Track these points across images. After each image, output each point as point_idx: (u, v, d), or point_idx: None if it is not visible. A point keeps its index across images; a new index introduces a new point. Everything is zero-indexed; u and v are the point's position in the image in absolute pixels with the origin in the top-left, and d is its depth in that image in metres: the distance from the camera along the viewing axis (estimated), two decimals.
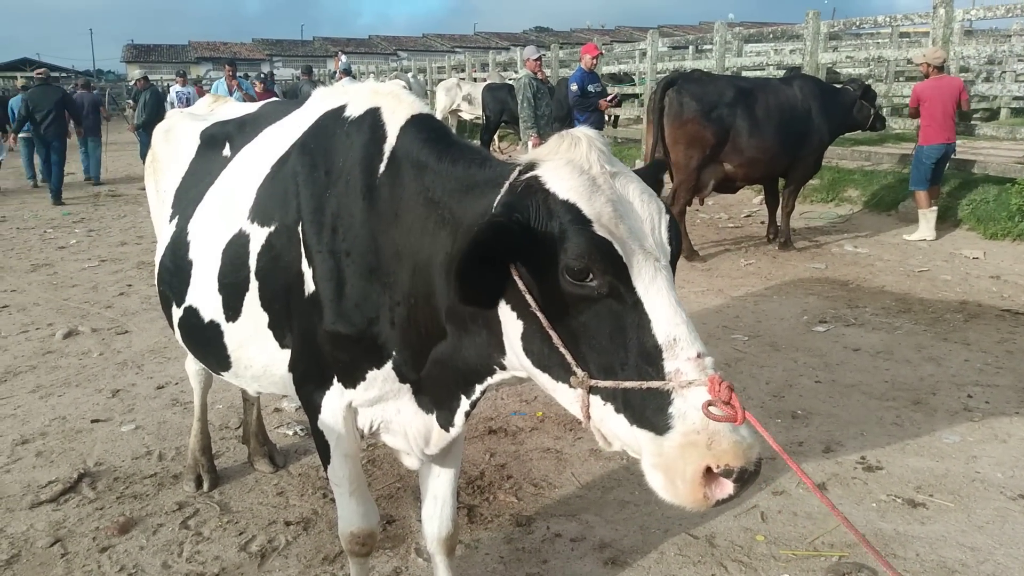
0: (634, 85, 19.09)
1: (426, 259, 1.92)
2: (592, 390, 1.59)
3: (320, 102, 2.42)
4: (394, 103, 2.15)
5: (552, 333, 1.59)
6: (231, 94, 12.73)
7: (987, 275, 7.22)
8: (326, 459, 2.35)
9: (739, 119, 7.34)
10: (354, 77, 15.85)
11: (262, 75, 14.90)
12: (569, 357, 1.59)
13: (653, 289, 1.56)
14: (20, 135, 14.30)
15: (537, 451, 4.08)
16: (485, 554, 3.19)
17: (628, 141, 15.91)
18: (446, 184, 1.92)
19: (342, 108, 2.26)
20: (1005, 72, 16.36)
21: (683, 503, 1.49)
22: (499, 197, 1.70)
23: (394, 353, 2.07)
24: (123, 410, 4.72)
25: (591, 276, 1.55)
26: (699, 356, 1.50)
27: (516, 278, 1.61)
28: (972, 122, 10.52)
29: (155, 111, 14.52)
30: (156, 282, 2.97)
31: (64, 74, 51.35)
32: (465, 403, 2.06)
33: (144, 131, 14.31)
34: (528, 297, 1.60)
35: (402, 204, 2.00)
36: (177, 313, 2.75)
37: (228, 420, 4.54)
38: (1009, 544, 3.16)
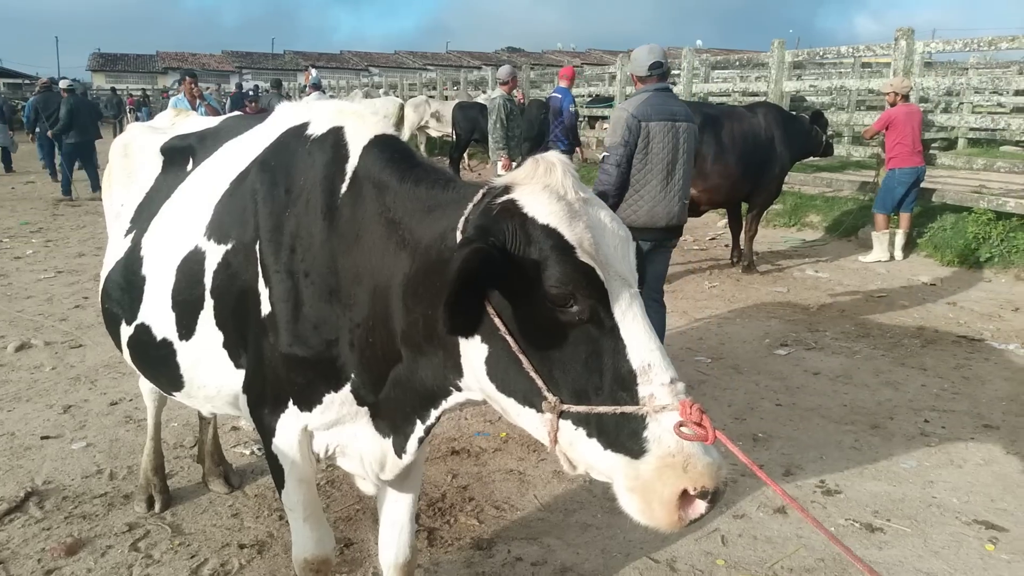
0: (611, 105, 19.30)
1: (385, 281, 1.89)
2: (563, 415, 1.57)
3: (282, 118, 2.39)
4: (358, 122, 2.13)
5: (522, 357, 1.58)
6: (194, 108, 11.95)
7: (944, 301, 7.38)
8: (280, 483, 2.29)
9: (704, 145, 7.43)
10: (324, 92, 15.79)
11: (249, 91, 13.53)
12: (540, 382, 1.57)
13: (629, 315, 1.56)
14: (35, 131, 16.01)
15: (500, 472, 4.05)
16: None
17: (597, 164, 16.00)
18: (407, 205, 1.90)
19: (304, 126, 2.23)
20: (962, 104, 16.83)
21: (658, 525, 1.51)
22: (466, 217, 1.68)
23: (352, 376, 2.03)
24: (74, 427, 4.58)
25: (573, 302, 1.54)
26: (672, 382, 1.52)
27: (484, 302, 1.59)
28: (931, 151, 10.80)
29: (70, 121, 14.25)
30: (101, 299, 2.89)
31: (28, 81, 50.41)
32: (420, 428, 2.03)
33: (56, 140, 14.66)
34: (497, 321, 1.59)
35: (363, 225, 1.97)
36: (127, 331, 2.67)
37: (183, 439, 4.43)
38: (964, 570, 3.19)
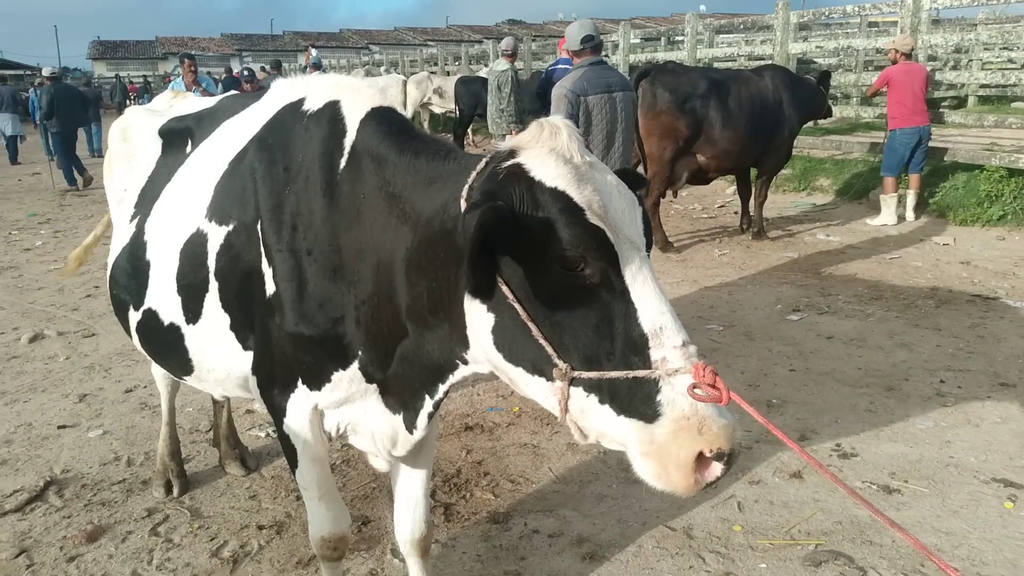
0: None
1: (388, 256, 1.87)
2: (573, 382, 1.55)
3: (278, 95, 2.36)
4: (353, 95, 2.09)
5: (531, 325, 1.55)
6: (190, 91, 11.79)
7: (957, 261, 7.30)
8: (293, 463, 2.30)
9: (712, 110, 7.35)
10: (325, 71, 15.69)
11: (244, 71, 12.98)
12: (550, 348, 1.55)
13: (640, 278, 1.54)
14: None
15: (514, 447, 4.05)
16: (462, 553, 3.15)
17: None
18: (407, 177, 1.87)
19: (301, 102, 2.20)
20: (972, 60, 16.55)
21: (674, 489, 1.49)
22: (470, 185, 1.64)
23: (360, 353, 2.02)
24: (90, 415, 4.61)
25: (583, 265, 1.51)
26: (684, 344, 1.50)
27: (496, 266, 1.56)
28: (940, 110, 10.64)
29: (51, 110, 14.31)
30: (109, 285, 2.88)
31: (29, 72, 50.38)
32: (429, 403, 2.02)
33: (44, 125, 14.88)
34: (505, 288, 1.56)
35: (364, 200, 1.94)
36: (135, 317, 2.67)
37: (198, 423, 4.45)
38: (983, 528, 3.18)
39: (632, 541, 3.21)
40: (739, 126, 7.49)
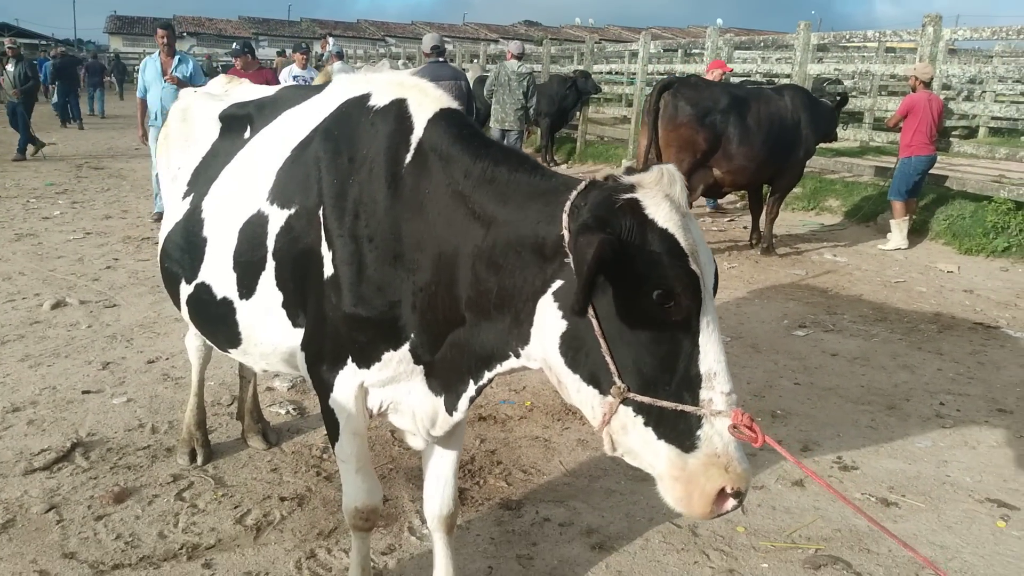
0: (622, 84, 19.28)
1: (451, 250, 2.01)
2: (625, 401, 1.71)
3: (341, 89, 2.49)
4: (420, 96, 2.22)
5: (602, 341, 1.69)
6: (165, 73, 9.10)
7: (961, 288, 7.44)
8: (334, 436, 2.42)
9: (731, 126, 7.48)
10: (345, 60, 15.78)
11: (235, 46, 10.54)
12: (613, 366, 1.70)
13: (711, 326, 1.71)
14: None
15: (526, 439, 4.18)
16: (476, 535, 3.28)
17: (616, 141, 16.03)
18: (483, 181, 1.99)
19: (366, 96, 2.33)
20: (985, 92, 16.71)
21: (692, 513, 1.69)
22: (573, 203, 1.77)
23: (412, 336, 2.15)
24: (114, 382, 4.74)
25: (673, 303, 1.66)
26: (729, 392, 1.68)
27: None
28: (950, 139, 10.77)
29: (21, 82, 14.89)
30: (160, 258, 3.01)
31: (44, 42, 50.48)
32: (472, 388, 2.15)
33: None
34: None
35: (428, 195, 2.07)
36: (187, 290, 2.80)
37: (220, 397, 4.58)
38: (976, 544, 3.32)
39: (639, 535, 3.34)
40: (756, 143, 7.63)
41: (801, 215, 10.89)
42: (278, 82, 9.45)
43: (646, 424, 1.71)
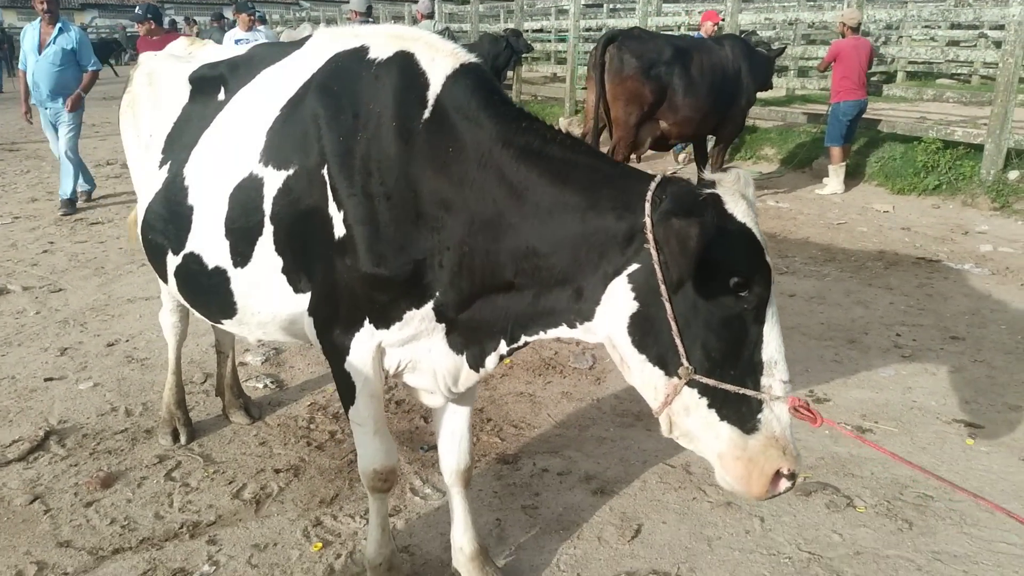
0: (550, 42, 19.19)
1: (489, 217, 2.00)
2: (690, 383, 1.79)
3: (325, 44, 2.42)
4: (429, 50, 2.17)
5: (674, 324, 1.76)
6: (41, 45, 8.10)
7: (898, 227, 7.77)
8: (350, 400, 2.38)
9: (676, 78, 7.55)
10: (269, 25, 15.21)
11: (138, 8, 9.04)
12: (682, 348, 1.77)
13: (775, 318, 1.81)
14: None
15: (511, 395, 4.22)
16: (479, 491, 3.31)
17: (550, 99, 15.99)
18: (532, 157, 1.99)
19: (363, 49, 2.26)
20: (902, 37, 17.26)
21: (748, 492, 1.79)
22: (653, 192, 1.82)
23: (438, 294, 2.12)
24: (76, 368, 4.56)
25: (749, 292, 1.74)
26: (787, 381, 1.78)
27: (656, 266, 1.76)
28: (873, 83, 11.12)
29: None
30: (142, 231, 2.88)
31: None
32: (503, 347, 2.16)
33: None
34: (662, 285, 1.76)
35: (452, 156, 2.04)
36: (174, 261, 2.69)
37: (191, 376, 4.45)
38: (950, 461, 3.53)
39: (636, 477, 3.44)
40: (701, 94, 7.73)
41: (739, 164, 11.13)
42: None
43: (710, 406, 1.80)
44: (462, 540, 2.68)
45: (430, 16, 10.78)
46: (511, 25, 17.40)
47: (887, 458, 3.52)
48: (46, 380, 4.40)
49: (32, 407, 4.08)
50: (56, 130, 8.51)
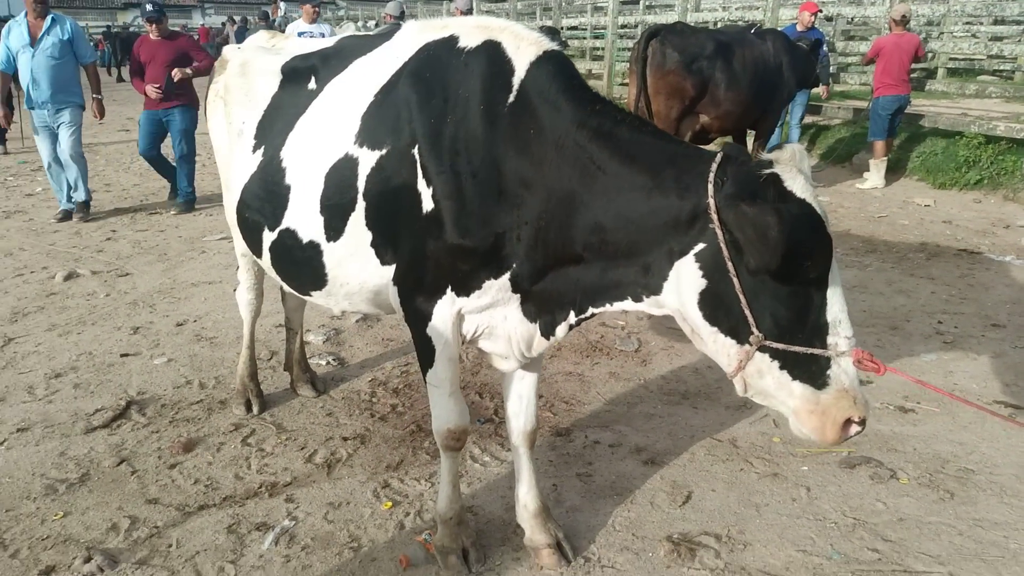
0: (585, 39, 19.31)
1: (565, 194, 2.17)
2: (762, 348, 1.95)
3: (415, 35, 2.60)
4: (515, 39, 2.34)
5: (742, 297, 1.92)
6: (32, 38, 7.62)
7: (940, 220, 7.80)
8: (429, 363, 2.57)
9: (718, 72, 7.65)
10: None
11: (149, 4, 8.26)
12: (751, 318, 1.93)
13: (836, 281, 1.96)
14: None
15: (560, 374, 4.40)
16: (535, 459, 3.47)
17: None
18: (604, 137, 2.15)
19: (452, 39, 2.44)
20: (943, 33, 17.09)
21: (825, 439, 1.97)
22: (715, 172, 1.96)
23: (514, 266, 2.30)
24: (149, 345, 4.84)
25: (811, 263, 1.88)
26: (851, 336, 1.94)
27: (722, 245, 1.92)
28: (916, 79, 11.08)
29: None
30: (238, 210, 3.10)
31: None
32: (572, 318, 2.33)
33: None
34: (729, 264, 1.92)
35: (533, 137, 2.21)
36: (269, 237, 2.91)
37: (258, 353, 4.67)
38: (991, 440, 3.63)
39: (685, 450, 3.59)
40: (742, 88, 7.82)
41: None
42: (201, 51, 8.65)
43: (781, 368, 1.96)
44: (527, 497, 2.86)
45: (468, 13, 10.98)
46: (548, 23, 17.55)
47: (929, 435, 3.67)
48: (122, 356, 4.68)
49: (111, 380, 4.35)
50: (52, 132, 7.94)
